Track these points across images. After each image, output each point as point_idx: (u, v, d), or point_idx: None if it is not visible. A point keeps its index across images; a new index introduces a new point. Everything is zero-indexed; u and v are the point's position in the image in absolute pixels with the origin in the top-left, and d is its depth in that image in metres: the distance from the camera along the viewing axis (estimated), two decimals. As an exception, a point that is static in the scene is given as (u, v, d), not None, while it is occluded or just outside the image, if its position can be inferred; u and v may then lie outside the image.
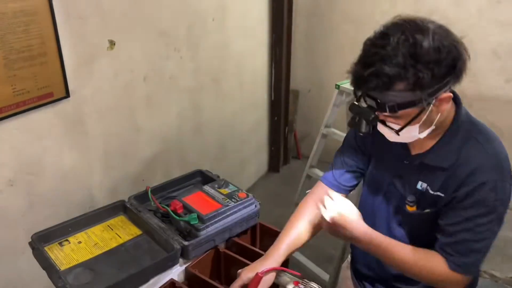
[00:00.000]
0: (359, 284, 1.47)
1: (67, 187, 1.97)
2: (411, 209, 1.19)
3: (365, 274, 1.44)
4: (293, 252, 1.32)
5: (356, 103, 1.09)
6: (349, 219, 1.15)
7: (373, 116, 1.05)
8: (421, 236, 1.22)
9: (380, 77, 1.00)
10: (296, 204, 2.50)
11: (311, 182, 2.54)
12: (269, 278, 1.23)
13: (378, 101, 1.03)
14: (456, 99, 1.16)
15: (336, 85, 2.38)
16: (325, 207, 1.15)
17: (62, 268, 1.16)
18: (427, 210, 1.17)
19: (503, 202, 1.09)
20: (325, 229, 1.21)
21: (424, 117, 1.05)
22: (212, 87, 2.79)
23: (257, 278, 1.17)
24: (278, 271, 1.24)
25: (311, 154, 2.55)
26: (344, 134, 2.21)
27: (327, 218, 1.13)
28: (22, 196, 1.80)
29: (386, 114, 1.05)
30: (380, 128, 1.12)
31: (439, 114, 1.08)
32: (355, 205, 1.26)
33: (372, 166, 1.35)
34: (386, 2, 3.19)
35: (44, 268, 1.15)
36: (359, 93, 1.07)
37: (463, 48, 1.05)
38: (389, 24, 1.06)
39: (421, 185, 1.16)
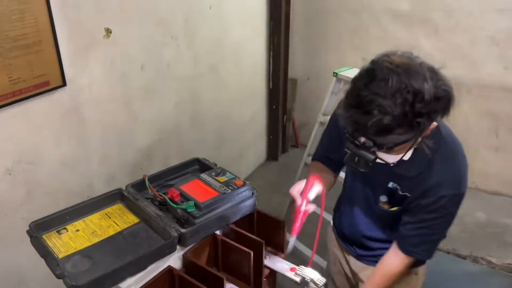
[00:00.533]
0: (343, 244, 1.61)
1: (65, 175, 1.97)
2: (384, 206, 1.35)
3: (342, 236, 1.60)
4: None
5: (353, 141, 1.13)
6: None
7: (373, 158, 1.10)
8: (388, 224, 1.41)
9: (380, 126, 1.02)
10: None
11: (307, 169, 2.54)
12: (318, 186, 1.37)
13: (377, 143, 1.07)
14: None
15: (334, 72, 2.38)
16: None
17: (60, 256, 1.15)
18: (395, 208, 1.32)
19: (458, 206, 1.25)
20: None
21: (411, 145, 1.14)
22: (210, 75, 2.79)
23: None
24: None
25: (309, 142, 2.56)
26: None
27: None
28: (20, 185, 1.81)
29: (383, 150, 1.11)
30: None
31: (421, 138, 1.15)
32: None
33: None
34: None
35: (42, 256, 1.15)
36: (358, 136, 1.10)
37: (453, 90, 1.07)
38: (380, 66, 1.05)
39: (392, 184, 1.30)
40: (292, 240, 1.31)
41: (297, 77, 3.75)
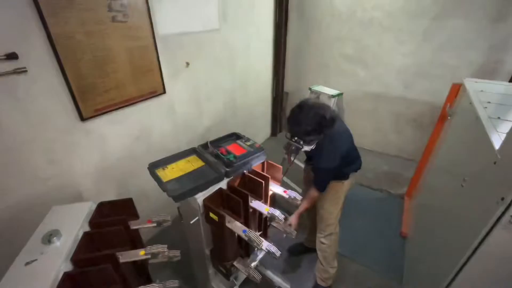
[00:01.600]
0: (310, 168, 1.67)
1: (165, 141, 2.01)
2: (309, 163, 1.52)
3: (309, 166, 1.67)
4: None
5: (288, 139, 1.29)
6: (294, 222, 1.45)
7: (301, 147, 1.26)
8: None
9: (301, 133, 1.22)
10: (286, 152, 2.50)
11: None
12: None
13: (300, 140, 1.25)
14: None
15: (309, 88, 2.33)
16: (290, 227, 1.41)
17: (164, 180, 1.18)
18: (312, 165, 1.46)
19: (327, 172, 1.37)
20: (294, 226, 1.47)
21: (317, 141, 1.30)
22: (241, 88, 2.76)
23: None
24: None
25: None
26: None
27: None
28: (143, 145, 1.85)
29: (305, 144, 1.27)
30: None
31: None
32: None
33: None
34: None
35: (155, 180, 1.18)
36: (293, 137, 1.26)
37: (336, 115, 1.27)
38: (305, 104, 1.23)
39: (308, 155, 1.49)
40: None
41: (288, 91, 3.69)
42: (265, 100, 3.38)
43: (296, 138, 1.26)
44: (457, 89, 1.84)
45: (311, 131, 1.21)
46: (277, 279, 1.81)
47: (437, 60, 2.59)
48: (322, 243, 1.63)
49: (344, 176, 1.51)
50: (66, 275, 0.85)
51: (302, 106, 1.23)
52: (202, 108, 2.29)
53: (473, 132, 1.28)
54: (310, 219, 1.86)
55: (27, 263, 0.87)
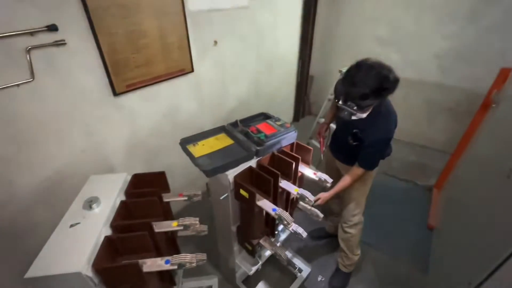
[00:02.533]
0: (333, 155, 1.57)
1: (190, 121, 2.03)
2: (350, 142, 1.31)
3: (334, 154, 1.57)
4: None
5: (343, 105, 1.14)
6: (324, 196, 1.33)
7: (354, 112, 1.13)
8: (351, 151, 1.33)
9: (358, 96, 1.07)
10: (311, 138, 2.46)
11: (318, 126, 2.48)
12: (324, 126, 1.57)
13: (353, 105, 1.11)
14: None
15: (339, 70, 2.24)
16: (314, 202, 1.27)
17: (196, 156, 1.19)
18: (356, 143, 1.29)
19: (384, 145, 1.24)
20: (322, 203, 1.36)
21: (371, 108, 1.16)
22: (266, 71, 2.71)
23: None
24: None
25: (320, 111, 2.47)
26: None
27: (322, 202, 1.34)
28: (170, 123, 1.89)
29: (359, 110, 1.14)
30: (343, 113, 1.18)
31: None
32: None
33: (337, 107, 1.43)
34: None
35: (187, 155, 1.19)
36: (347, 100, 1.12)
37: (390, 80, 1.07)
38: (363, 63, 1.09)
39: (354, 131, 1.28)
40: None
41: (313, 74, 3.58)
42: (289, 83, 3.30)
43: (349, 103, 1.12)
44: (506, 74, 1.69)
45: (370, 93, 1.06)
46: (298, 261, 1.83)
47: (483, 43, 2.38)
48: (346, 232, 1.60)
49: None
50: (107, 239, 0.90)
51: (361, 65, 1.08)
52: (227, 88, 2.27)
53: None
54: (334, 206, 1.84)
55: (71, 225, 0.92)
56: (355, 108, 1.12)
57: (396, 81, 1.07)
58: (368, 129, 1.23)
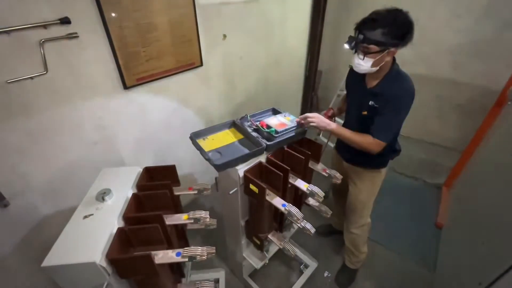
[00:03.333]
0: (338, 153, 1.55)
1: (201, 114, 2.03)
2: (364, 113, 1.23)
3: (338, 148, 1.55)
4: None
5: (353, 35, 1.09)
6: (325, 122, 1.23)
7: (361, 39, 1.06)
8: (366, 125, 1.22)
9: (371, 22, 1.03)
10: (318, 134, 2.44)
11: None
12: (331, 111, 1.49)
13: (368, 46, 1.06)
14: (394, 60, 1.17)
15: (349, 65, 2.20)
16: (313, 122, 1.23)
17: (206, 150, 1.19)
18: (369, 114, 1.20)
19: (406, 108, 1.13)
20: (320, 128, 1.24)
21: (378, 56, 1.07)
22: (275, 65, 2.68)
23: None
24: None
25: (330, 106, 2.43)
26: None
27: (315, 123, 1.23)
28: (179, 116, 1.89)
29: (364, 45, 1.06)
30: (355, 57, 1.14)
31: (384, 62, 1.10)
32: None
33: (349, 94, 1.40)
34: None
35: (198, 149, 1.19)
36: (357, 31, 1.08)
37: (413, 31, 1.04)
38: (392, 7, 1.06)
39: (371, 102, 1.19)
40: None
41: (322, 69, 3.54)
42: (297, 78, 3.27)
43: (365, 44, 1.05)
44: (524, 71, 1.64)
45: (391, 32, 1.00)
46: (304, 256, 1.84)
47: (499, 38, 2.31)
48: (352, 233, 1.58)
49: (383, 163, 1.39)
50: (120, 230, 0.92)
51: (391, 9, 1.03)
52: (235, 83, 2.26)
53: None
54: (340, 205, 1.83)
55: (85, 217, 0.94)
56: (369, 47, 1.04)
57: (410, 26, 1.02)
58: (387, 90, 1.12)
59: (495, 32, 2.31)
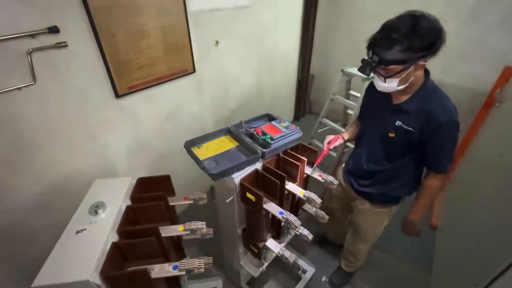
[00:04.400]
0: (347, 177, 1.40)
1: (192, 122, 2.01)
2: (391, 135, 1.08)
3: (352, 172, 1.37)
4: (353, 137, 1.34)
5: (366, 58, 0.94)
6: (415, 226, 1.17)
7: (374, 64, 0.90)
8: (394, 152, 1.12)
9: (387, 40, 0.85)
10: (312, 138, 2.44)
11: (320, 125, 2.46)
12: (340, 141, 1.27)
13: (379, 55, 0.88)
14: (426, 71, 1.01)
15: (341, 70, 2.23)
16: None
17: (201, 158, 1.17)
18: (399, 137, 1.06)
19: (455, 131, 0.97)
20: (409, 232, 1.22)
21: (403, 75, 0.91)
22: (267, 70, 2.69)
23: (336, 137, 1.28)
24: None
25: (323, 110, 2.44)
26: (343, 99, 2.09)
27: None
28: (173, 124, 1.87)
29: (382, 67, 0.90)
30: (375, 79, 1.00)
31: (413, 77, 0.94)
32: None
33: (368, 113, 1.26)
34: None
35: (192, 158, 1.17)
36: (370, 50, 0.91)
37: (444, 34, 0.86)
38: (403, 13, 0.89)
39: (398, 123, 1.05)
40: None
41: (314, 73, 3.57)
42: (290, 82, 3.29)
43: (382, 66, 0.86)
44: (510, 73, 1.69)
45: (419, 46, 0.80)
46: (302, 262, 1.83)
47: (485, 41, 2.37)
48: (356, 247, 1.54)
49: (397, 199, 1.23)
50: (114, 245, 0.89)
51: (404, 16, 0.84)
52: (228, 89, 2.26)
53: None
54: (334, 224, 1.70)
55: (77, 232, 0.91)
56: (387, 69, 0.85)
57: (430, 29, 0.82)
58: (419, 107, 0.94)
59: (480, 35, 2.37)
